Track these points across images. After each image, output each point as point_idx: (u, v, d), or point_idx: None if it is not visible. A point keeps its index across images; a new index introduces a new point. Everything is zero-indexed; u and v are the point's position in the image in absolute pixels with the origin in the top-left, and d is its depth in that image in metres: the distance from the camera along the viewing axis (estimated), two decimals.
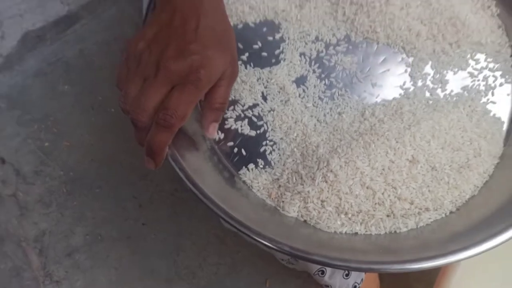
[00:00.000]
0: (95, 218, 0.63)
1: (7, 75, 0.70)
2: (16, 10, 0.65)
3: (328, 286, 0.53)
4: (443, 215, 0.42)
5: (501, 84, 0.48)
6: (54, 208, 0.64)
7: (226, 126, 0.46)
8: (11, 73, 0.71)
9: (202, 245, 0.62)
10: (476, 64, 0.48)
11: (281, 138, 0.45)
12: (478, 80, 0.48)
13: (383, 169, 0.42)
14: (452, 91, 0.47)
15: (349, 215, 0.41)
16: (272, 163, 0.45)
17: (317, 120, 0.45)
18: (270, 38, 0.49)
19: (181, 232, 0.63)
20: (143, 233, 0.62)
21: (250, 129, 0.46)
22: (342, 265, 0.37)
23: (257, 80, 0.47)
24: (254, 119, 0.46)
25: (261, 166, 0.45)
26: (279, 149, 0.45)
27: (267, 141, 0.45)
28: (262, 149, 0.45)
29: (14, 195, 0.64)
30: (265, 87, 0.47)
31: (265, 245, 0.37)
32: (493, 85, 0.48)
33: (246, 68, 0.48)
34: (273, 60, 0.48)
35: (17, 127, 0.68)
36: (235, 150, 0.45)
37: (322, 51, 0.48)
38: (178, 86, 0.36)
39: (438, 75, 0.48)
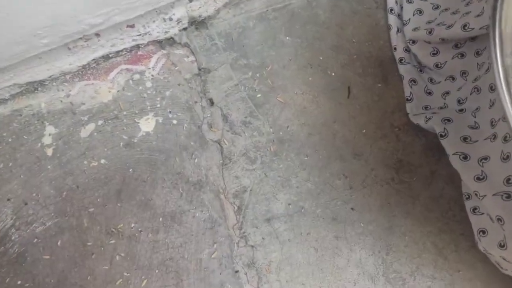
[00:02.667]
0: (299, 188, 0.56)
1: (231, 12, 0.65)
2: None
3: None
4: None
5: None
6: (259, 166, 0.58)
7: None
8: (235, 10, 0.65)
9: (416, 251, 0.53)
10: None
11: None
12: None
13: None
14: None
15: None
16: None
17: None
18: None
19: (393, 229, 0.54)
20: (351, 218, 0.54)
21: None
22: None
23: None
24: None
25: None
26: None
27: None
28: None
29: (219, 141, 0.60)
30: None
31: None
32: None
33: None
34: None
35: (231, 70, 0.63)
36: None
37: None
38: None
39: None
